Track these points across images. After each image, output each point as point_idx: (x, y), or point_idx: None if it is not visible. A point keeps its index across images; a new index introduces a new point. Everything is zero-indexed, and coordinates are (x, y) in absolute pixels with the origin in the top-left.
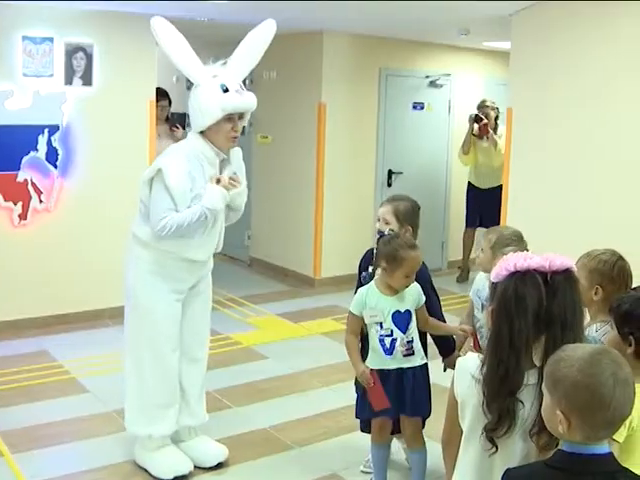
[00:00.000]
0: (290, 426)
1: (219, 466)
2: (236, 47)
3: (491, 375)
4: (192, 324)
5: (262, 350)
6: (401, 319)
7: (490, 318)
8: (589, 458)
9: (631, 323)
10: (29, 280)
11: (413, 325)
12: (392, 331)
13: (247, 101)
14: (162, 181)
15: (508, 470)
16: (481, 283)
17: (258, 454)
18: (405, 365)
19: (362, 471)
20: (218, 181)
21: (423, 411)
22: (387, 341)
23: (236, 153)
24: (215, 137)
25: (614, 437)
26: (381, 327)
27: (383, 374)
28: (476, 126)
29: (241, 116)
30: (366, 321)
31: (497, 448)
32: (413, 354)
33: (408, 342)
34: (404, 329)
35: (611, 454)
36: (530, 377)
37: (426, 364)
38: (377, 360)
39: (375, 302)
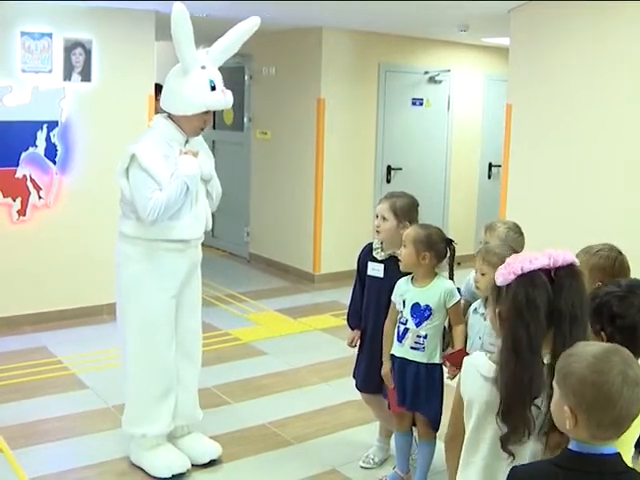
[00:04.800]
0: (289, 422)
1: (212, 463)
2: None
3: (514, 384)
4: (185, 320)
5: (261, 346)
6: (418, 312)
7: (499, 323)
8: (596, 458)
9: (601, 318)
10: (28, 276)
11: (431, 323)
12: (407, 320)
13: (228, 101)
14: (138, 166)
15: (515, 468)
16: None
17: (257, 450)
18: (409, 357)
19: (361, 466)
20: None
21: (423, 409)
22: (401, 328)
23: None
24: (184, 124)
25: None
26: (402, 314)
27: (393, 359)
28: None
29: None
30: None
31: (514, 456)
32: (422, 350)
33: (419, 336)
34: (418, 323)
35: (618, 454)
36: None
37: (436, 365)
38: (395, 344)
39: (403, 290)
